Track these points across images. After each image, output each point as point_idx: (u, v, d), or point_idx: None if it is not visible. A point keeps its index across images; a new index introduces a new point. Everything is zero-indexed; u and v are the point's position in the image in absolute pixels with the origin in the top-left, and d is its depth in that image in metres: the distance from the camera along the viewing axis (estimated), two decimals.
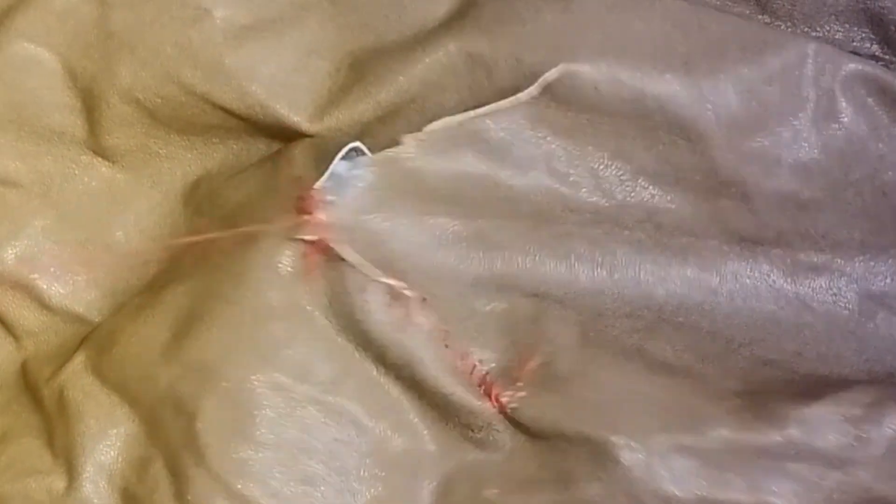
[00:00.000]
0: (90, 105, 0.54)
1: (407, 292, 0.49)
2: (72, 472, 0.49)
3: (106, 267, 0.55)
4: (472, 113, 0.50)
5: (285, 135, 0.53)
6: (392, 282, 0.49)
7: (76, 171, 0.55)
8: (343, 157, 0.50)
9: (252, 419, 0.48)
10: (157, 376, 0.49)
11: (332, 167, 0.49)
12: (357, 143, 0.50)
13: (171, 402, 0.49)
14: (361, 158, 0.50)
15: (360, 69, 0.53)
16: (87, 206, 0.55)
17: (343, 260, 0.49)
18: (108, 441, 0.50)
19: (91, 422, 0.50)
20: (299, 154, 0.52)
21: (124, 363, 0.50)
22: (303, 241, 0.49)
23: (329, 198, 0.49)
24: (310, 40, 0.53)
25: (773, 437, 0.48)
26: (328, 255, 0.49)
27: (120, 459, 0.50)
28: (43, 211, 0.55)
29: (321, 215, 0.49)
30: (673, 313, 0.52)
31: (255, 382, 0.48)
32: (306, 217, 0.49)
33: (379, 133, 0.52)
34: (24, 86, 0.53)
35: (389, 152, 0.50)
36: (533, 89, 0.50)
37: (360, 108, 0.52)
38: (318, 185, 0.49)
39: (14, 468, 0.50)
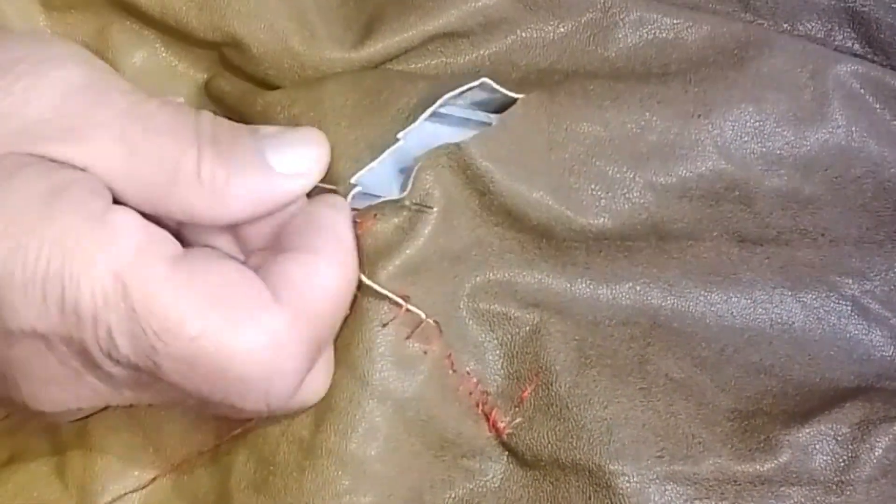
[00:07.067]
0: None
1: (428, 320, 0.48)
2: None
3: None
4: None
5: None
6: (414, 309, 0.48)
7: None
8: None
9: (271, 472, 0.48)
10: (191, 428, 0.49)
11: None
12: (359, 188, 0.49)
13: (209, 457, 0.49)
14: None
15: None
16: None
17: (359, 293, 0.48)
18: (128, 482, 0.49)
19: (113, 459, 0.49)
20: None
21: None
22: None
23: None
24: None
25: (767, 463, 0.49)
26: None
27: (138, 503, 0.49)
28: None
29: None
30: (668, 318, 0.52)
31: (276, 434, 0.48)
32: None
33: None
34: None
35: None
36: None
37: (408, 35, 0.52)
38: None
39: (21, 497, 0.50)
